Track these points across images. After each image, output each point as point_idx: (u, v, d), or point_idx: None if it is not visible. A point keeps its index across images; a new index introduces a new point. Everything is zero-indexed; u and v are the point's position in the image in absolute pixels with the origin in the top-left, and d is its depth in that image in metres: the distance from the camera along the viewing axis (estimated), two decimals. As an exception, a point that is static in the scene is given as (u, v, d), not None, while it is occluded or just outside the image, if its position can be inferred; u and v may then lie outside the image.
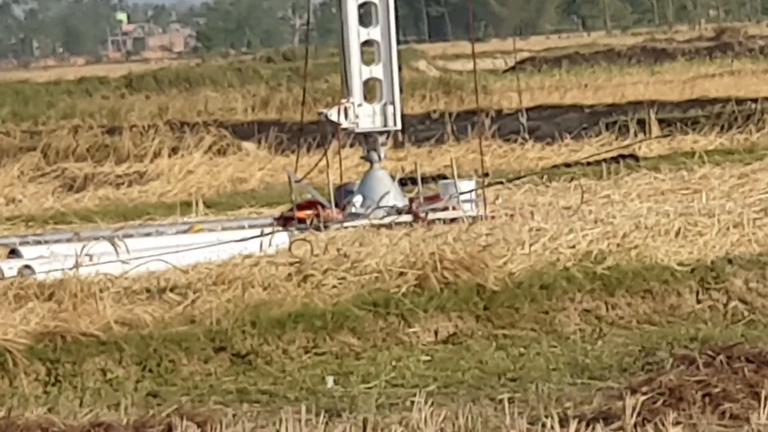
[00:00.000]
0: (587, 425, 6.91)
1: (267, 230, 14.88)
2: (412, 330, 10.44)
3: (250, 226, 15.61)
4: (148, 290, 11.31)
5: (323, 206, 16.13)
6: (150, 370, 9.90)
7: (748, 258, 12.18)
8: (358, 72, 17.02)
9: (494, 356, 10.24)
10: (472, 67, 32.00)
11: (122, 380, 9.73)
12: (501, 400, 7.96)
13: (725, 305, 11.25)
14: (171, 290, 11.20)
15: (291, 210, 16.17)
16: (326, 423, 7.60)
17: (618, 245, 12.41)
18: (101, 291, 10.82)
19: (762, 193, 17.02)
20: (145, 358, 9.90)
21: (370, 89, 17.25)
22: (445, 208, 16.01)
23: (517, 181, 19.38)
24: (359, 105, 16.74)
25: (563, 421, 7.01)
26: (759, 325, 10.86)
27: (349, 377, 9.54)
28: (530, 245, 12.33)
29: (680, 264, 11.72)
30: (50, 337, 9.73)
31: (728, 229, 13.18)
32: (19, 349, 9.74)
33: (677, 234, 12.86)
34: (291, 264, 11.96)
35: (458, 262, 11.20)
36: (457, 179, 16.91)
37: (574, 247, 12.46)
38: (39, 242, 15.45)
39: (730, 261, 11.76)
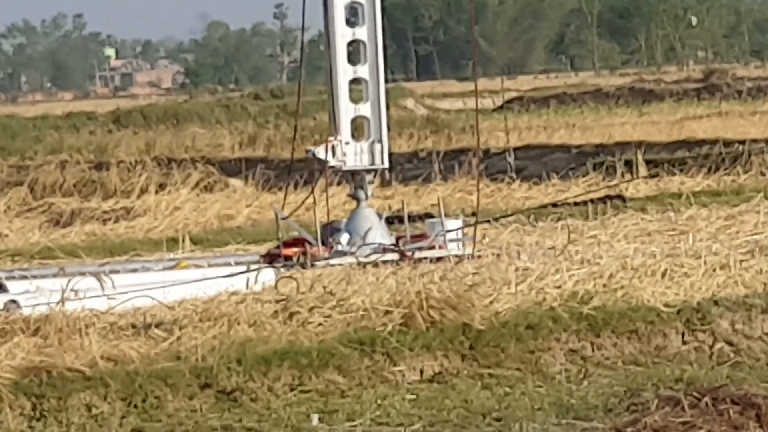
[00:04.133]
0: None
1: (253, 267, 14.78)
2: (397, 368, 10.39)
3: (237, 263, 15.43)
4: (133, 326, 11.27)
5: (310, 244, 15.97)
6: (135, 406, 9.76)
7: (734, 300, 12.16)
8: (346, 110, 16.74)
9: (479, 395, 10.19)
10: (460, 106, 32.21)
11: (107, 416, 9.64)
12: None
13: (711, 347, 11.22)
14: (157, 326, 11.16)
15: (277, 247, 16.08)
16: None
17: (604, 285, 12.39)
18: (87, 326, 10.76)
19: (749, 235, 16.91)
20: (130, 393, 9.76)
21: (357, 127, 17.09)
22: (432, 247, 15.82)
23: (503, 221, 18.89)
24: (347, 143, 16.53)
25: (549, 461, 7.46)
26: (744, 366, 10.83)
27: (333, 415, 9.51)
28: (516, 285, 12.23)
29: (666, 305, 11.71)
30: (36, 372, 9.65)
31: (714, 270, 13.15)
32: (5, 383, 9.68)
33: (663, 275, 12.82)
34: (277, 301, 11.89)
35: (444, 301, 11.10)
36: (443, 218, 16.70)
37: (560, 287, 12.43)
38: (25, 277, 14.88)
39: (716, 302, 11.72)
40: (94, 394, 9.54)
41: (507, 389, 10.27)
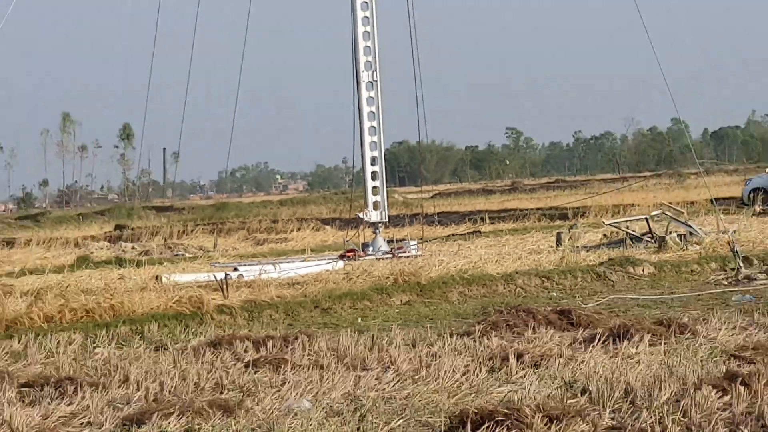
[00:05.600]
0: (459, 336, 8.85)
1: (335, 260, 17.34)
2: (391, 299, 12.89)
3: (329, 259, 17.40)
4: (288, 284, 14.02)
5: (356, 251, 17.92)
6: (288, 314, 11.91)
7: (523, 271, 14.35)
8: (370, 196, 19.13)
9: (424, 310, 12.43)
10: (416, 195, 36.98)
11: (278, 321, 11.49)
12: (427, 327, 9.85)
13: (514, 291, 13.47)
14: (296, 284, 13.94)
15: (344, 252, 17.76)
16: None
17: (473, 266, 14.77)
18: (268, 284, 13.61)
19: (529, 246, 19.08)
20: (287, 310, 12.06)
21: (375, 204, 19.09)
22: (404, 252, 17.88)
23: (434, 240, 21.19)
24: (371, 211, 19.02)
25: (451, 334, 8.96)
26: (530, 299, 12.55)
27: (367, 318, 11.60)
28: (438, 266, 14.74)
29: (497, 273, 14.07)
30: (251, 301, 12.07)
31: (514, 261, 15.77)
32: (235, 306, 11.72)
33: (496, 262, 15.49)
34: (344, 273, 14.94)
35: (409, 272, 13.66)
36: (410, 240, 18.80)
37: (456, 267, 14.70)
38: (245, 264, 16.93)
39: (516, 272, 14.04)
40: (272, 310, 11.80)
41: (434, 308, 12.60)
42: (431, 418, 5.82)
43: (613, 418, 5.53)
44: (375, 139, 18.76)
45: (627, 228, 17.60)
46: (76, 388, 6.60)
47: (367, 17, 18.48)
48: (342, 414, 6.07)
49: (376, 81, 18.60)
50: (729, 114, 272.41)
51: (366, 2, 18.85)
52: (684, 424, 5.36)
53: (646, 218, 17.74)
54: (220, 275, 13.11)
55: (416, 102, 19.15)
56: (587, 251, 16.68)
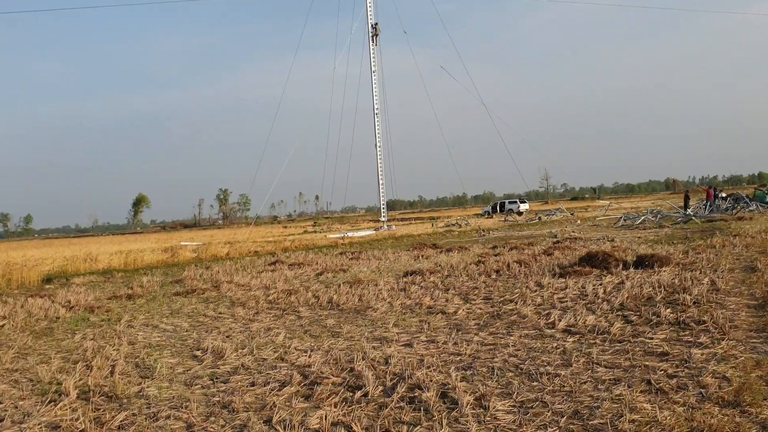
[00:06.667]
0: (408, 249, 39.09)
1: (373, 230, 49.04)
2: (388, 242, 38.34)
3: (371, 230, 47.33)
4: (359, 238, 46.55)
5: (378, 228, 47.81)
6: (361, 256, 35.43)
7: (428, 233, 47.94)
8: (383, 210, 45.28)
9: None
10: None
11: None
12: (396, 246, 34.59)
13: (421, 238, 47.21)
14: (362, 239, 47.40)
15: (375, 228, 36.90)
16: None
17: (408, 233, 47.20)
18: (352, 237, 46.55)
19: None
20: (359, 250, 37.76)
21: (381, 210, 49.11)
22: (391, 228, 43.70)
23: (400, 222, 50.76)
24: (384, 217, 48.18)
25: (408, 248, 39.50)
26: (432, 239, 44.17)
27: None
28: (400, 233, 41.46)
29: (417, 234, 45.75)
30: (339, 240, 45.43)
31: (423, 231, 49.79)
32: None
33: (417, 231, 47.73)
34: (375, 235, 47.51)
35: (390, 235, 40.09)
36: (393, 225, 47.58)
37: (404, 233, 45.65)
38: (346, 232, 48.64)
39: (420, 234, 47.91)
40: (355, 246, 41.55)
41: (399, 243, 32.38)
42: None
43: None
44: (383, 188, 51.83)
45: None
46: (284, 267, 32.24)
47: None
48: (380, 270, 19.46)
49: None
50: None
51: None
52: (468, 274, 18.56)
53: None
54: (340, 235, 43.19)
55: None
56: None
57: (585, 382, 7.44)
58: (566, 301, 12.48)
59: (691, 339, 9.19)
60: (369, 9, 47.62)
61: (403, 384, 7.58)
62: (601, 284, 14.10)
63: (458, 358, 8.72)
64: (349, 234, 43.33)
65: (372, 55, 47.10)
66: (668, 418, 6.17)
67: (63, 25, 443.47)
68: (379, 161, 48.49)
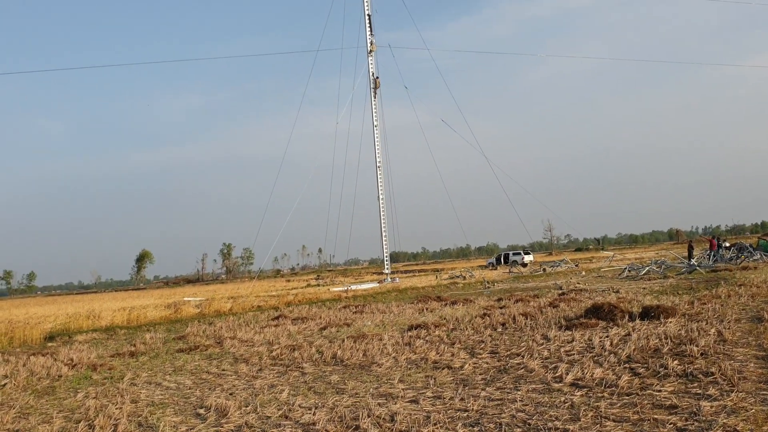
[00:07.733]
0: (412, 302, 42.15)
1: (376, 283, 49.30)
2: (392, 294, 39.31)
3: (374, 283, 50.22)
4: (363, 291, 48.01)
5: (382, 281, 51.24)
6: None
7: (427, 285, 48.78)
8: (387, 264, 47.44)
9: (404, 294, 41.49)
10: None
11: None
12: (400, 299, 42.99)
13: (425, 291, 47.84)
14: (365, 291, 47.47)
15: (378, 281, 41.56)
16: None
17: (412, 285, 48.55)
18: (356, 291, 47.58)
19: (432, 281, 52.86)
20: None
21: (385, 262, 51.87)
22: (395, 280, 44.69)
23: (403, 275, 51.46)
24: (388, 269, 48.31)
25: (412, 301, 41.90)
26: (437, 292, 46.24)
27: (385, 298, 43.37)
28: (403, 284, 43.15)
29: (420, 286, 45.09)
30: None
31: (427, 283, 50.02)
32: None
33: (422, 282, 48.93)
34: (379, 288, 48.24)
35: (394, 287, 41.06)
36: (396, 277, 50.84)
37: (408, 285, 47.92)
38: (349, 285, 50.70)
39: (424, 287, 48.06)
40: (359, 299, 43.80)
41: (402, 295, 34.34)
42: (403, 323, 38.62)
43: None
44: (386, 241, 52.42)
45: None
46: (287, 322, 35.72)
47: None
48: (384, 324, 20.96)
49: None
50: None
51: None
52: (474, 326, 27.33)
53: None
54: (343, 288, 45.07)
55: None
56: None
57: (594, 437, 7.41)
58: (573, 354, 12.52)
59: (699, 391, 9.16)
60: (370, 64, 49.30)
61: (409, 442, 7.63)
62: (607, 336, 14.16)
63: (465, 414, 8.67)
64: (353, 287, 43.88)
65: (374, 108, 49.14)
66: (680, 473, 6.19)
67: (66, 83, 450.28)
68: (381, 213, 48.91)
